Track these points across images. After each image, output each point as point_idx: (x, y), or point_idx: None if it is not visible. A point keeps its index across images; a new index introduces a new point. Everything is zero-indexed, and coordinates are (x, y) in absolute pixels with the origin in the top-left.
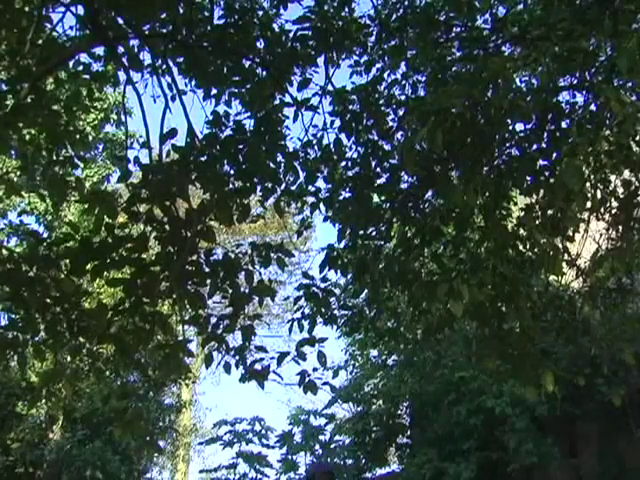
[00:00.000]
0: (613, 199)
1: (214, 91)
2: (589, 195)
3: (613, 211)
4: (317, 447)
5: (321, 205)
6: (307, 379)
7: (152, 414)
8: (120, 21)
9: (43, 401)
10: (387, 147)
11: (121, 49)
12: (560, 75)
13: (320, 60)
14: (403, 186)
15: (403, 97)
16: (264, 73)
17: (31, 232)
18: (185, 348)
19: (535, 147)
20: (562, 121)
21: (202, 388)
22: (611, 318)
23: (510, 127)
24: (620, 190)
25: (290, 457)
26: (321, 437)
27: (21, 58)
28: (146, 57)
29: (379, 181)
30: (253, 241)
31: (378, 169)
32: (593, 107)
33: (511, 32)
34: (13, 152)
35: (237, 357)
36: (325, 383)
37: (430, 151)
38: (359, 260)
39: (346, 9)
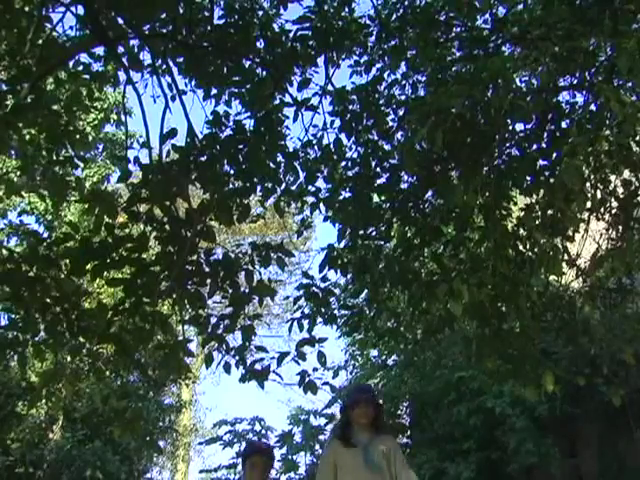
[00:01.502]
0: (613, 199)
1: (214, 91)
2: (589, 195)
3: (613, 211)
4: (317, 447)
5: (321, 205)
6: (307, 379)
7: (152, 414)
8: (120, 21)
9: (43, 401)
10: (387, 147)
11: (121, 49)
12: (560, 75)
13: (320, 60)
14: (403, 186)
15: (403, 97)
16: (264, 73)
17: (31, 232)
18: (185, 348)
19: (535, 147)
20: (562, 121)
21: (202, 388)
22: (611, 318)
23: (510, 127)
24: (620, 190)
25: (290, 457)
26: (321, 437)
27: (21, 58)
28: (146, 57)
29: (379, 181)
30: (253, 241)
31: (378, 169)
32: (593, 107)
33: (511, 32)
34: (13, 152)
35: (237, 357)
36: (325, 383)
37: (430, 151)
38: (359, 260)
39: (346, 9)
